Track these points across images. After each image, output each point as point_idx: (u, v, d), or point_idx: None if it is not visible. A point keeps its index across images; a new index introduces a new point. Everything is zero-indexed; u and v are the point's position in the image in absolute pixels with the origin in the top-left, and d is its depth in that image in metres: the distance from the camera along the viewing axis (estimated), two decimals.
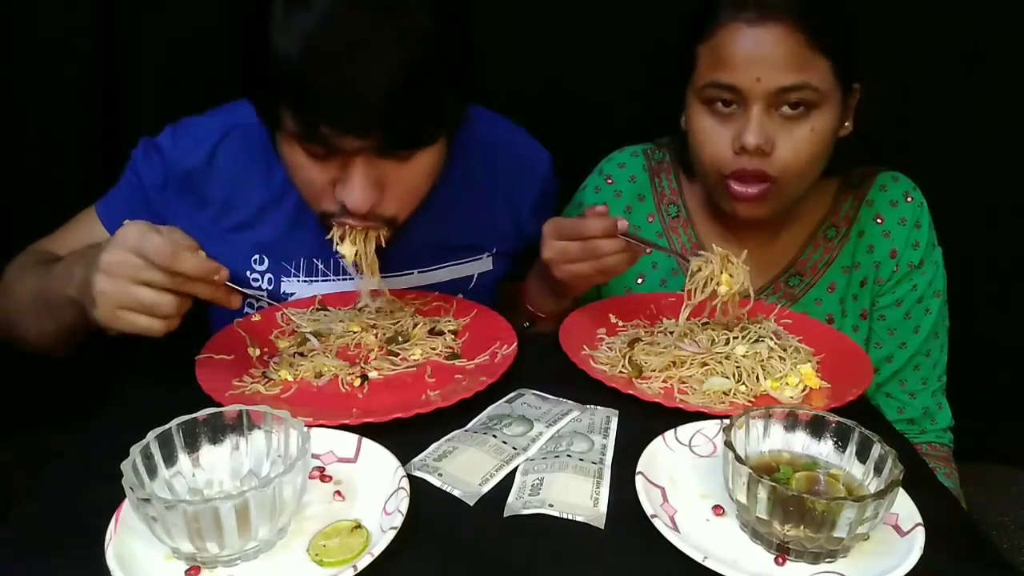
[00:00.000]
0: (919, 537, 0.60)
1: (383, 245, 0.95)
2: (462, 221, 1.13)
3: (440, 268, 1.14)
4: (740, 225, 1.10)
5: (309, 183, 0.91)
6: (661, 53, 1.07)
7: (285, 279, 1.08)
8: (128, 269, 0.76)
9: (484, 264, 1.16)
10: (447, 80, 0.86)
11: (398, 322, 0.99)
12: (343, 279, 1.10)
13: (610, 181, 1.19)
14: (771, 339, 0.92)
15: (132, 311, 0.77)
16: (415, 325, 0.98)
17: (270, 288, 1.08)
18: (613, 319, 1.03)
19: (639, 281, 1.18)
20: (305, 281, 1.09)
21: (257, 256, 1.08)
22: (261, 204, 1.07)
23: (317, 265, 1.08)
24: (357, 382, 0.86)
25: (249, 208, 1.06)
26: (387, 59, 0.79)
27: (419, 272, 1.12)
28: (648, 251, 0.99)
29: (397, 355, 0.92)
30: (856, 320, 1.12)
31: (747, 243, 1.10)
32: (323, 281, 1.09)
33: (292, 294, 1.09)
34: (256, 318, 1.01)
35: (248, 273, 1.08)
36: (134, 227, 0.78)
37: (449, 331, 0.97)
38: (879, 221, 1.10)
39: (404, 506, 0.62)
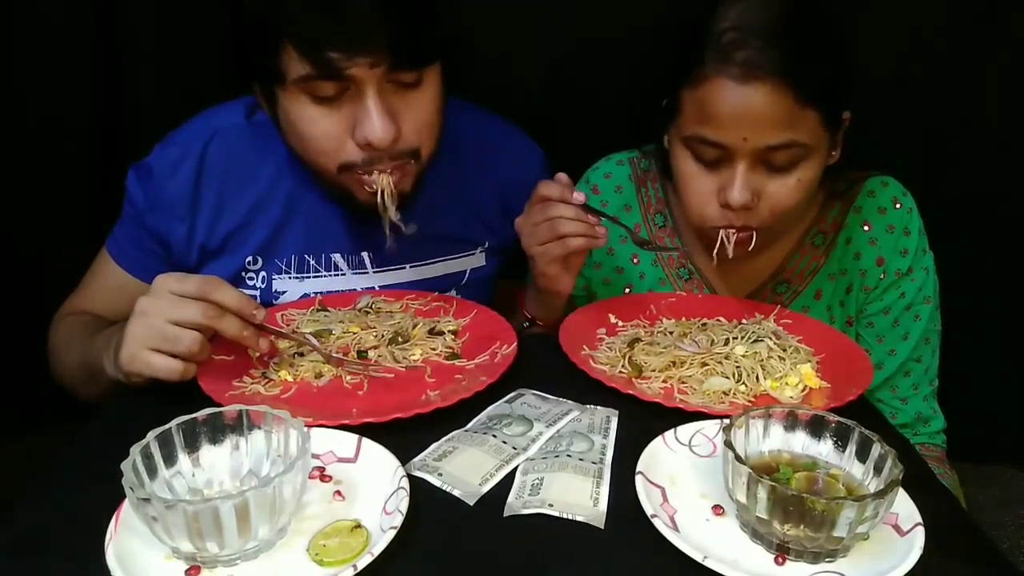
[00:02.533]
0: (919, 537, 0.60)
1: (407, 190, 0.98)
2: (454, 214, 1.14)
3: (433, 263, 1.14)
4: None
5: (324, 136, 0.92)
6: (657, 58, 1.07)
7: (276, 277, 1.09)
8: (161, 307, 0.78)
9: (476, 260, 1.17)
10: None
11: (398, 322, 0.99)
12: (334, 275, 1.10)
13: (596, 191, 1.18)
14: (771, 339, 0.92)
15: (153, 351, 0.78)
16: (415, 325, 0.98)
17: (263, 287, 1.09)
18: (613, 319, 1.03)
19: (627, 291, 1.18)
20: (296, 278, 1.09)
21: (251, 257, 1.08)
22: (251, 204, 1.07)
23: (308, 261, 1.09)
24: (354, 356, 0.89)
25: (241, 210, 1.07)
26: None
27: (411, 267, 1.13)
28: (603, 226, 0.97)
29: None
30: (842, 327, 1.10)
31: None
32: (314, 278, 1.09)
33: (284, 292, 1.09)
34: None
35: (244, 274, 1.09)
36: (170, 275, 0.81)
37: (449, 331, 0.97)
38: (866, 228, 1.08)
39: (404, 506, 0.62)
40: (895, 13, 1.27)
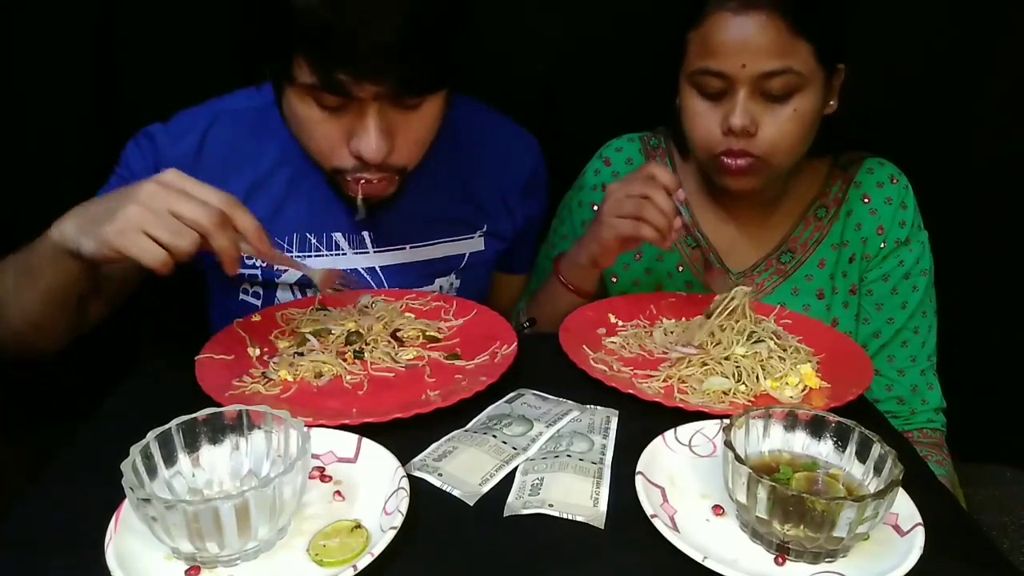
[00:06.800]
0: (919, 537, 0.60)
1: (390, 192, 1.00)
2: (451, 196, 1.15)
3: (432, 244, 1.15)
4: (734, 205, 1.17)
5: (322, 138, 0.93)
6: (657, 42, 1.11)
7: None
8: (169, 198, 0.76)
9: (476, 243, 1.18)
10: (455, 25, 0.90)
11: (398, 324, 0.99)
12: (335, 254, 1.10)
13: (608, 163, 1.23)
14: (771, 339, 0.92)
15: (146, 236, 0.75)
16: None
17: (263, 265, 1.09)
18: (613, 319, 1.03)
19: (635, 284, 1.22)
20: (297, 257, 1.09)
21: None
22: (252, 182, 1.07)
23: (309, 239, 1.09)
24: (351, 356, 0.89)
25: (240, 188, 1.07)
26: (402, 4, 0.83)
27: (411, 247, 1.13)
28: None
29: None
30: (846, 296, 1.16)
31: (741, 222, 1.17)
32: (315, 256, 1.09)
33: (285, 270, 1.09)
34: (256, 318, 1.01)
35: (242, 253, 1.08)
36: (187, 176, 0.78)
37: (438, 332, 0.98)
38: (866, 200, 1.15)
39: (404, 506, 0.62)
40: (899, 5, 1.28)
